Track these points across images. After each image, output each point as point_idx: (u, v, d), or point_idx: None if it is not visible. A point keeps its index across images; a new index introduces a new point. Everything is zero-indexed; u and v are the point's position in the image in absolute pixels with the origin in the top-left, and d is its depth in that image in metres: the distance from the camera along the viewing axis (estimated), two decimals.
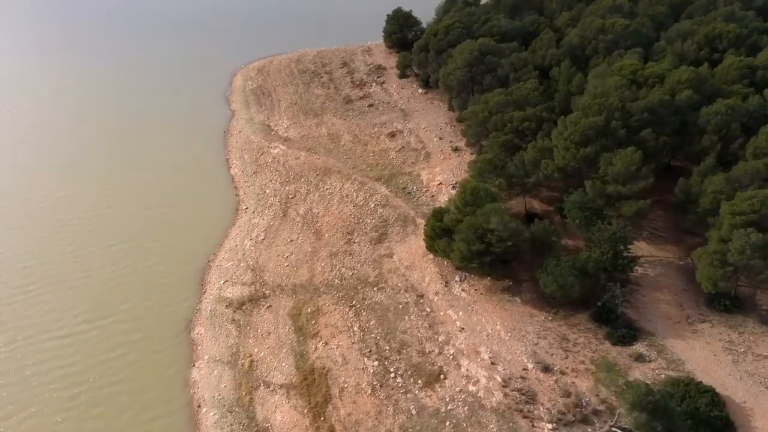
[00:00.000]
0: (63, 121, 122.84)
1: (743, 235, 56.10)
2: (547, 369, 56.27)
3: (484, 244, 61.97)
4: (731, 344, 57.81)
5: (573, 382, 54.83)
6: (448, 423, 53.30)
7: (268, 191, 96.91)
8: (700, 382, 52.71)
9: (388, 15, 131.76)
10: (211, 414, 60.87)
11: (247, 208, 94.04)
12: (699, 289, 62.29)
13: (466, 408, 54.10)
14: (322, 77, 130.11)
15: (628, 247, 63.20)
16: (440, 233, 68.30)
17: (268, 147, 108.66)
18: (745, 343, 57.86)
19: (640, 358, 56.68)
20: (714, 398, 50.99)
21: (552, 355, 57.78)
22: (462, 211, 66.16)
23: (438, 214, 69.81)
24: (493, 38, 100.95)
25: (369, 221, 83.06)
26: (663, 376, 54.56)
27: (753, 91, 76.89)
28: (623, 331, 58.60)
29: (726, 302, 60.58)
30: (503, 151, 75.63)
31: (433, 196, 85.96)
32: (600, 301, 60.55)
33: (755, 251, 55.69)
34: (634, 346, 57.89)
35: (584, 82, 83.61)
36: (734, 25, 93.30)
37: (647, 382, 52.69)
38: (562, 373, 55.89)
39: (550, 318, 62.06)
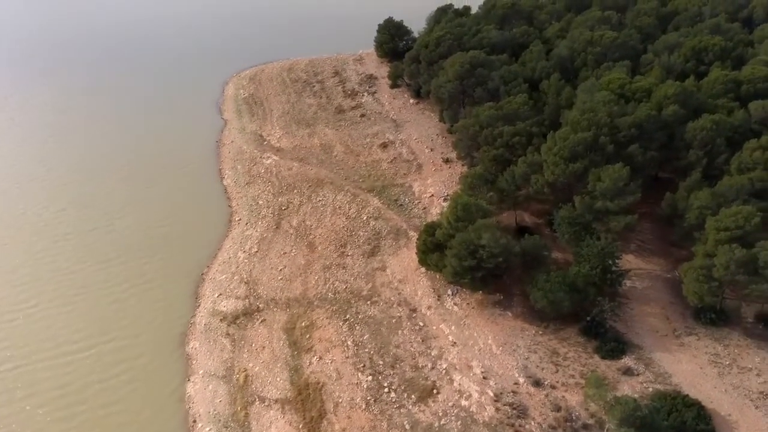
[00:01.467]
0: (53, 134, 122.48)
1: (728, 250, 57.43)
2: (537, 383, 57.41)
3: (476, 260, 63.07)
4: (717, 357, 59.17)
5: (563, 397, 56.00)
6: None
7: (261, 202, 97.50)
8: (687, 395, 54.06)
9: (379, 25, 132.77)
10: (207, 429, 61.56)
11: (240, 219, 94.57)
12: (685, 302, 63.72)
13: (458, 423, 55.13)
14: (314, 86, 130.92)
15: (617, 261, 64.46)
16: (432, 248, 69.32)
17: (260, 157, 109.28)
18: (730, 355, 59.22)
19: (628, 371, 57.92)
20: (700, 412, 52.31)
21: (543, 369, 58.92)
22: (454, 226, 67.20)
23: (430, 229, 70.80)
24: (484, 50, 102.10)
25: (362, 234, 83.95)
26: (651, 389, 55.82)
27: (738, 105, 78.40)
28: (612, 344, 59.85)
29: (712, 315, 61.93)
30: (494, 165, 76.75)
31: (425, 208, 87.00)
32: (589, 315, 61.79)
33: (740, 267, 57.04)
34: (623, 360, 59.12)
35: (573, 96, 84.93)
36: (720, 38, 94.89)
37: (635, 395, 54.13)
38: (553, 387, 57.05)
39: (540, 332, 63.20)
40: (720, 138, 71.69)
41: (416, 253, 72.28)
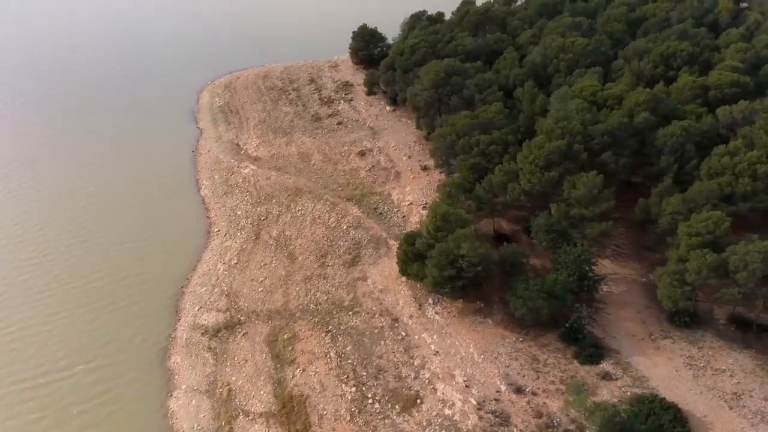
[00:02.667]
0: (23, 149, 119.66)
1: (700, 255, 59.12)
2: (519, 390, 58.48)
3: (456, 270, 63.96)
4: (691, 359, 60.88)
5: (544, 403, 57.14)
6: None
7: (239, 213, 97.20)
8: (664, 398, 55.51)
9: (353, 32, 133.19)
10: None
11: (219, 230, 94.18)
12: (660, 306, 65.24)
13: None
14: (290, 94, 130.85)
15: (593, 267, 65.89)
16: (413, 257, 70.07)
17: (238, 167, 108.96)
18: (704, 357, 60.96)
19: (606, 376, 59.32)
20: (677, 414, 53.80)
21: (524, 376, 60.02)
22: (433, 235, 68.04)
23: (410, 239, 71.54)
24: (458, 57, 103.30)
25: (342, 243, 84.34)
26: (629, 393, 57.24)
27: (706, 110, 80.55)
28: (590, 350, 61.20)
29: (686, 318, 63.68)
30: (471, 173, 77.77)
31: (404, 216, 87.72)
32: (568, 322, 63.05)
33: (711, 271, 58.76)
34: (601, 365, 60.53)
35: (547, 103, 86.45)
36: (687, 43, 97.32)
37: (614, 400, 55.54)
38: (534, 394, 58.17)
39: (520, 339, 64.35)
40: (689, 144, 73.66)
41: (397, 263, 72.95)
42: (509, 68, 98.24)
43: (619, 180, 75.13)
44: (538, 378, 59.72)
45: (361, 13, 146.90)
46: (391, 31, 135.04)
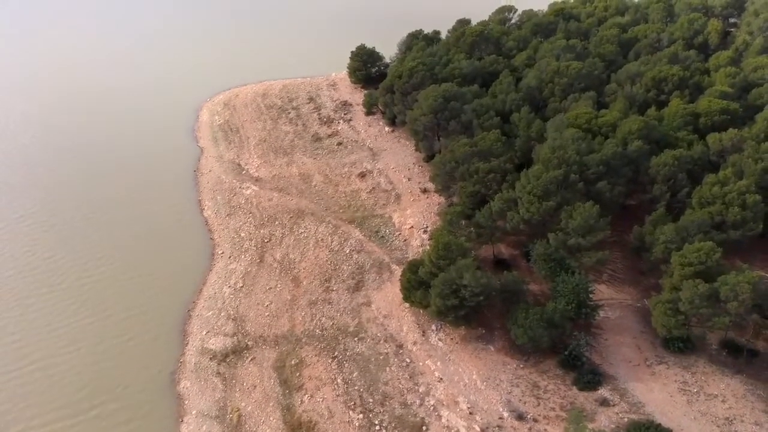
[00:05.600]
0: (18, 170, 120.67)
1: (692, 285, 61.80)
2: (521, 417, 60.92)
3: (458, 299, 66.36)
4: (685, 385, 63.54)
5: (545, 429, 59.62)
6: None
7: (243, 235, 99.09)
8: (659, 424, 58.15)
9: (351, 52, 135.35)
10: None
11: (223, 252, 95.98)
12: (655, 331, 67.96)
13: None
14: (289, 113, 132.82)
15: (590, 295, 68.47)
16: (416, 285, 72.38)
17: (240, 187, 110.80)
18: (698, 383, 63.65)
19: (604, 402, 61.87)
20: None
21: (525, 402, 62.47)
22: (436, 264, 70.40)
23: (413, 267, 73.86)
24: (455, 80, 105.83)
25: (345, 268, 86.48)
26: (626, 419, 59.84)
27: (697, 137, 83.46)
28: (589, 377, 63.78)
29: (680, 344, 66.39)
30: (471, 200, 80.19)
31: (405, 240, 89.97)
32: (567, 349, 65.56)
33: (703, 300, 61.48)
34: (599, 391, 63.09)
35: (543, 128, 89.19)
36: (678, 68, 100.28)
37: (612, 426, 58.09)
38: (535, 420, 60.63)
39: (521, 365, 66.82)
40: (681, 173, 76.45)
41: (401, 290, 75.20)
42: (505, 92, 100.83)
43: (614, 207, 77.75)
44: (539, 404, 62.18)
45: (356, 29, 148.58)
46: (385, 47, 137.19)
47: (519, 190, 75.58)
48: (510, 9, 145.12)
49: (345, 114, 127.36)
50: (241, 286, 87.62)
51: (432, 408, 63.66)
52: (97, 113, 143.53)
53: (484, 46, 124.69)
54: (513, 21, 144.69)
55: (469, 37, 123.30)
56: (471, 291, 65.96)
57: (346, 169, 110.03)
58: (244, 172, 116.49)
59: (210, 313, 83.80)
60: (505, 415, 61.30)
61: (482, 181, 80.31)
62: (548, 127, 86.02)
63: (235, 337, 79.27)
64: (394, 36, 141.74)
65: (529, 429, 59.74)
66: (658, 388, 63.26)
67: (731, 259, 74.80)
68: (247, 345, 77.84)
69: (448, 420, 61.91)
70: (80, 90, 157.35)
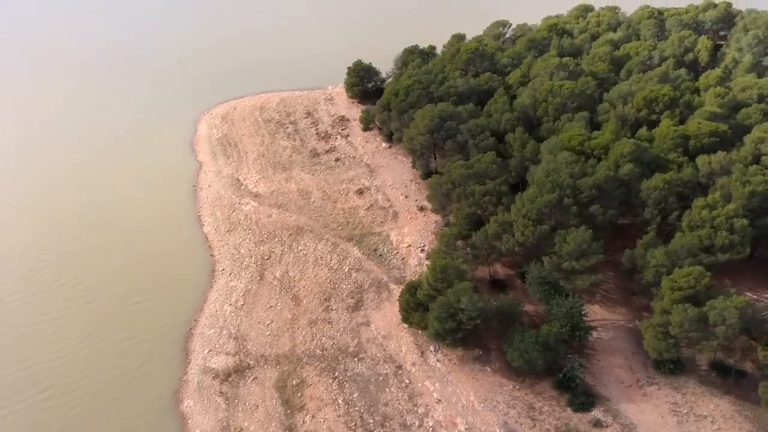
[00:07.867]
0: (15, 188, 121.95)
1: (682, 310, 63.99)
2: None
3: (456, 322, 68.34)
4: (676, 405, 65.75)
5: None
6: None
7: (243, 251, 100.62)
8: None
9: (348, 67, 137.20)
10: None
11: (223, 269, 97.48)
12: (647, 352, 70.06)
13: None
14: (287, 127, 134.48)
15: (584, 318, 70.59)
16: (415, 307, 74.31)
17: (239, 203, 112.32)
18: (688, 404, 65.88)
19: (598, 423, 64.02)
20: None
21: (521, 424, 64.51)
22: (433, 286, 72.39)
23: (411, 289, 75.81)
24: (451, 98, 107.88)
25: (344, 286, 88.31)
26: None
27: (687, 159, 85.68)
28: (583, 398, 65.93)
29: (670, 365, 68.64)
30: (467, 222, 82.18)
31: (403, 258, 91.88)
32: (561, 371, 67.66)
33: (693, 324, 63.66)
34: (593, 412, 65.23)
35: (537, 149, 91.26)
36: (668, 87, 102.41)
37: None
38: None
39: (517, 386, 68.89)
40: (672, 196, 78.61)
41: (399, 311, 77.12)
42: (500, 112, 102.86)
43: (607, 229, 79.89)
44: (535, 426, 64.25)
45: (353, 42, 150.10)
46: (382, 59, 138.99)
47: (514, 214, 77.66)
48: (505, 24, 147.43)
49: (342, 129, 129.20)
50: (242, 304, 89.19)
51: (431, 429, 65.60)
52: (95, 125, 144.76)
53: (479, 62, 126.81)
54: (507, 35, 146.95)
55: (464, 54, 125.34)
56: (468, 315, 67.95)
57: (344, 186, 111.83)
58: (243, 187, 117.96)
59: (212, 331, 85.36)
60: None
61: (478, 203, 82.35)
62: (542, 149, 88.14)
63: (237, 356, 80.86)
64: (390, 45, 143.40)
65: None
66: (649, 409, 65.45)
67: (720, 278, 77.32)
68: (248, 364, 79.46)
69: None
70: (78, 98, 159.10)
